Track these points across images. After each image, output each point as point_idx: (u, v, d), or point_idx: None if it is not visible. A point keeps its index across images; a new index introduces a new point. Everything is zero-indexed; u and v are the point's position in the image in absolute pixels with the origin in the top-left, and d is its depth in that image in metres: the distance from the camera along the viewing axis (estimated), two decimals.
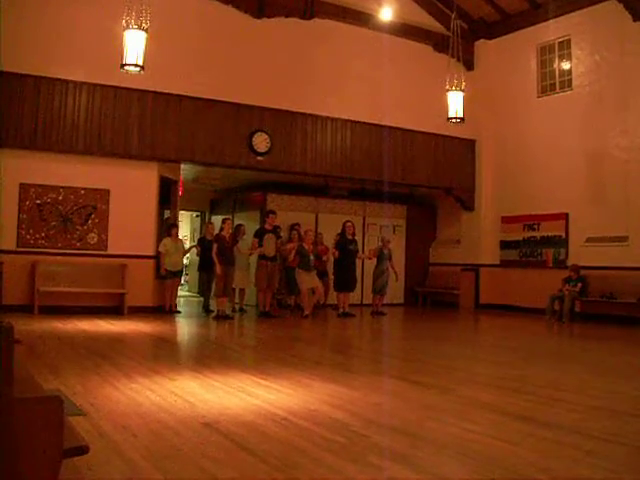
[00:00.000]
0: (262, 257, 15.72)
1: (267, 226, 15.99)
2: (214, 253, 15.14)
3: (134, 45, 11.52)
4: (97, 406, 6.15)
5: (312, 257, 16.21)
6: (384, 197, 19.93)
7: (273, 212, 16.38)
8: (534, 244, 19.04)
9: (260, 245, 15.69)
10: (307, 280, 15.92)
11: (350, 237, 16.65)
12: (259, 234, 15.82)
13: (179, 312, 16.05)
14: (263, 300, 16.07)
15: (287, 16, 17.71)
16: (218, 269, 15.02)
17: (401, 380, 8.28)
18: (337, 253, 16.53)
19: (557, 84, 19.15)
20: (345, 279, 16.67)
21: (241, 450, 4.95)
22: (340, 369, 9.23)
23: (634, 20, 16.69)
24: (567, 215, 18.22)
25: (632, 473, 4.71)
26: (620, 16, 16.90)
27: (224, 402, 6.50)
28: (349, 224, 16.76)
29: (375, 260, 17.48)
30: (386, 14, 18.13)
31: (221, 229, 15.61)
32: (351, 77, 18.23)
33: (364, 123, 18.53)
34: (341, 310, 16.62)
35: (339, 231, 17.12)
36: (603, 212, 17.34)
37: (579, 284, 16.91)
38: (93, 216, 15.19)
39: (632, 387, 8.26)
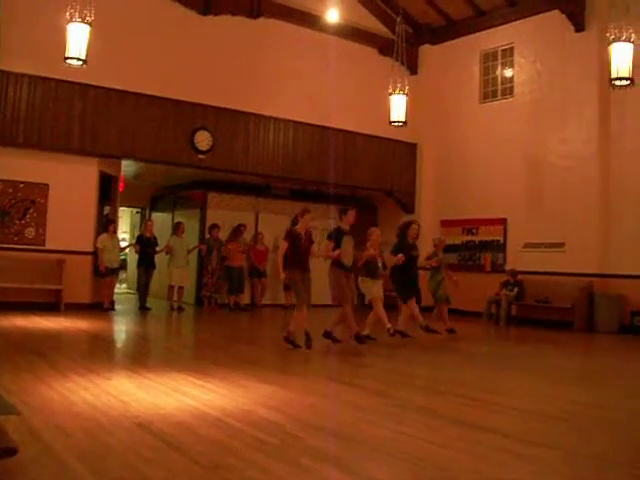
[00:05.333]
0: (338, 265, 11.61)
1: (344, 225, 11.93)
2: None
3: (77, 38, 11.43)
4: (31, 405, 6.07)
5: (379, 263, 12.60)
6: (325, 198, 20.01)
7: (353, 207, 12.26)
8: (473, 248, 19.26)
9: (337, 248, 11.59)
10: (375, 289, 12.39)
11: (412, 241, 13.30)
12: (335, 235, 11.75)
13: (114, 309, 15.86)
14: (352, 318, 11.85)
15: (233, 14, 17.68)
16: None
17: (337, 382, 8.31)
18: (403, 258, 12.73)
19: (499, 91, 19.41)
20: (412, 286, 13.17)
21: (173, 450, 4.93)
22: (277, 370, 9.24)
23: (576, 31, 16.98)
24: (505, 220, 18.48)
25: (560, 477, 4.79)
26: (562, 26, 17.18)
27: (158, 402, 6.47)
28: (414, 226, 13.40)
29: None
30: (333, 16, 18.17)
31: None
32: (296, 78, 18.24)
33: (307, 124, 18.55)
34: (422, 322, 13.12)
35: (397, 232, 13.54)
36: (541, 218, 17.62)
37: (516, 288, 17.17)
38: (31, 210, 14.99)
39: (563, 391, 8.40)
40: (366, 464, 4.92)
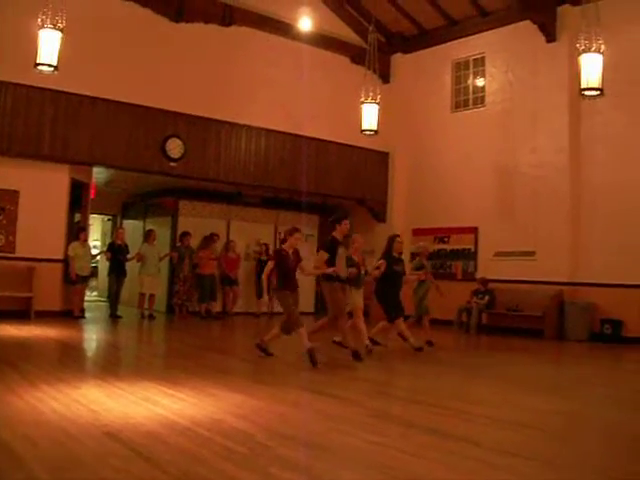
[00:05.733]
0: (330, 278, 10.99)
1: (338, 235, 11.29)
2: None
3: (49, 44, 11.37)
4: None
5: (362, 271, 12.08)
6: (297, 206, 20.03)
7: (346, 217, 11.74)
8: (444, 256, 19.35)
9: (332, 261, 10.96)
10: (357, 298, 12.01)
11: (397, 255, 12.72)
12: (329, 246, 11.13)
13: (84, 317, 15.75)
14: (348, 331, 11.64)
15: (206, 22, 17.66)
16: None
17: (309, 391, 8.29)
18: (382, 268, 12.21)
19: (470, 100, 19.55)
20: (395, 304, 12.42)
21: (142, 460, 4.89)
22: (248, 379, 9.23)
23: (547, 41, 17.15)
24: (477, 229, 18.59)
25: None
26: (534, 37, 17.34)
27: (128, 411, 6.42)
28: (399, 239, 12.88)
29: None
30: (305, 24, 18.21)
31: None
32: (268, 86, 18.24)
33: (279, 132, 18.55)
34: (414, 343, 12.52)
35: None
36: (512, 227, 17.74)
37: (486, 297, 17.26)
38: (1, 217, 14.86)
39: (535, 399, 8.43)
40: (337, 473, 4.90)
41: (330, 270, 10.79)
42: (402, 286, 12.82)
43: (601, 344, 15.45)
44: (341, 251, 11.17)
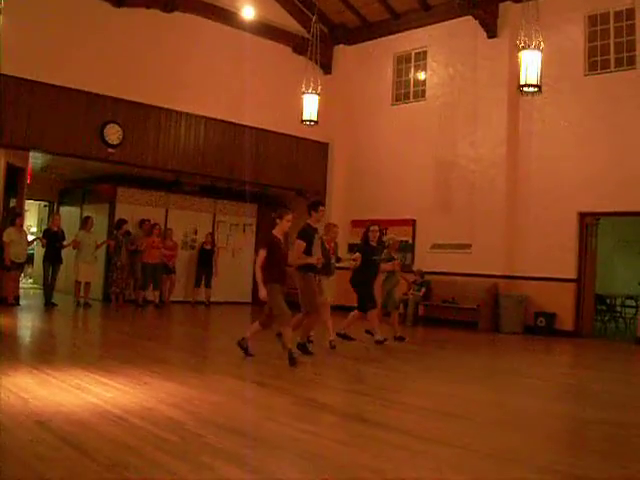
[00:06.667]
0: (307, 268, 10.46)
1: (313, 222, 10.81)
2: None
3: None
4: None
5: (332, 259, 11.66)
6: (236, 195, 20.00)
7: (322, 204, 11.31)
8: (382, 248, 19.39)
9: (308, 250, 10.49)
10: (327, 289, 11.56)
11: (373, 244, 12.50)
12: (305, 235, 10.55)
13: (19, 305, 15.53)
14: (309, 328, 10.88)
15: (148, 7, 17.48)
16: None
17: (242, 380, 8.31)
18: (358, 261, 12.07)
19: (411, 93, 19.66)
20: (370, 294, 12.24)
21: (72, 449, 4.86)
22: (183, 368, 9.16)
23: (488, 37, 17.29)
24: (414, 221, 18.72)
25: (457, 474, 4.88)
26: (475, 32, 17.48)
27: (59, 399, 6.36)
28: (374, 228, 12.60)
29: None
30: (248, 13, 18.15)
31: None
32: (209, 73, 18.15)
33: (219, 120, 18.42)
34: (342, 330, 12.27)
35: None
36: (449, 220, 17.91)
37: (423, 289, 17.39)
38: None
39: (465, 390, 8.55)
40: (267, 462, 4.92)
41: (314, 260, 10.31)
42: (378, 275, 12.66)
43: (535, 337, 15.67)
44: (315, 239, 10.61)
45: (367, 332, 12.68)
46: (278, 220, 9.71)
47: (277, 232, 9.69)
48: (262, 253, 9.50)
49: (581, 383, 10.06)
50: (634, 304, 17.44)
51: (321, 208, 10.88)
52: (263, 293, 9.35)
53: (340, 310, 13.77)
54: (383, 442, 5.62)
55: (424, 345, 14.60)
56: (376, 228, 12.63)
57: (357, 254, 12.19)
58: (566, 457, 5.57)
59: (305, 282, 10.38)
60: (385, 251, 13.70)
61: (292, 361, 9.22)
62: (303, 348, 10.44)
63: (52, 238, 16.35)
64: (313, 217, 10.75)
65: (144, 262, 17.54)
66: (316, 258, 10.30)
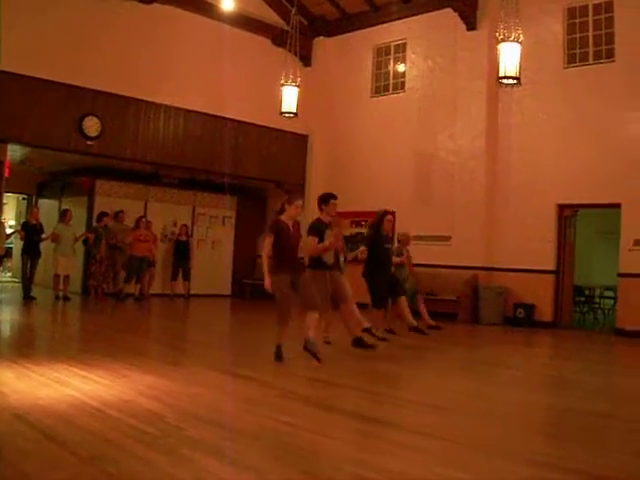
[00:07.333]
0: (317, 265, 9.81)
1: (324, 217, 10.09)
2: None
3: None
4: None
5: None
6: (215, 187, 19.96)
7: (334, 196, 10.38)
8: (362, 240, 19.40)
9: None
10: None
11: (387, 233, 11.95)
12: (316, 230, 9.80)
13: None
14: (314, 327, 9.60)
15: None
16: None
17: (222, 372, 8.29)
18: (366, 251, 11.47)
19: (391, 85, 19.65)
20: (390, 284, 11.71)
21: (50, 442, 4.84)
22: (162, 361, 9.14)
23: (468, 29, 17.30)
24: (394, 213, 18.66)
25: (446, 466, 4.86)
26: (455, 24, 17.47)
27: (37, 392, 6.33)
28: (389, 217, 11.93)
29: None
30: (227, 4, 18.05)
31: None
32: (189, 65, 18.06)
33: (198, 112, 18.33)
34: (411, 323, 11.89)
35: (371, 223, 12.33)
36: (429, 212, 17.93)
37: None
38: None
39: (447, 382, 8.58)
40: (247, 454, 4.91)
41: (326, 245, 9.54)
42: (390, 265, 11.99)
43: (514, 328, 15.73)
44: (327, 234, 9.78)
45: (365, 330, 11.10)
46: (287, 205, 9.21)
47: (285, 218, 9.14)
48: (268, 239, 8.99)
49: (561, 374, 10.10)
50: (612, 295, 17.51)
51: (332, 201, 10.12)
52: (267, 282, 8.84)
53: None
54: (365, 434, 5.64)
55: (404, 337, 14.59)
56: (391, 218, 12.04)
57: (362, 247, 11.51)
58: (548, 447, 5.57)
59: (309, 277, 9.59)
60: (397, 245, 13.49)
61: (277, 357, 9.00)
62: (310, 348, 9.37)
63: (31, 231, 16.28)
64: (324, 211, 10.07)
65: (132, 255, 17.46)
66: (327, 243, 9.55)
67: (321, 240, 9.61)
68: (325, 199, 10.15)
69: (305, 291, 9.24)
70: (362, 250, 11.40)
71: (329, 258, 9.82)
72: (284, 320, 9.02)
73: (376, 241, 11.62)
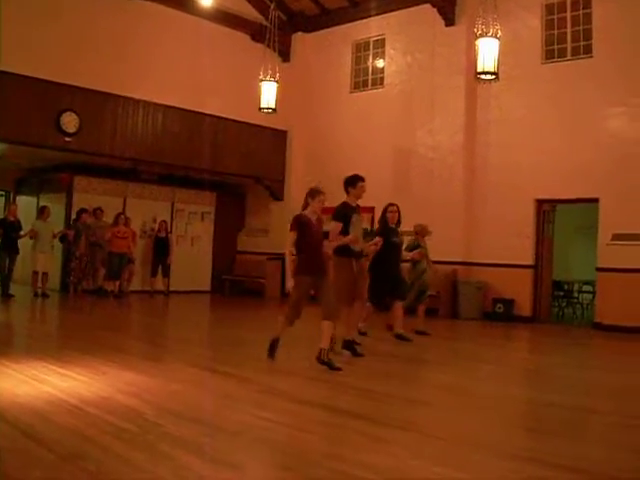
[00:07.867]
0: (344, 252, 9.29)
1: (351, 200, 9.67)
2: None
3: None
4: None
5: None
6: (194, 183, 19.93)
7: (361, 178, 9.80)
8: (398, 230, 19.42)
9: (346, 232, 9.25)
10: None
11: (393, 225, 11.37)
12: (341, 214, 9.38)
13: None
14: (347, 322, 9.73)
15: None
16: None
17: (201, 369, 8.29)
18: (379, 245, 10.45)
19: (370, 81, 19.66)
20: (391, 283, 11.22)
21: (29, 439, 4.83)
22: (141, 357, 9.13)
23: (446, 25, 17.32)
24: (373, 209, 18.71)
25: (415, 459, 4.88)
26: (433, 20, 17.49)
27: (15, 390, 6.30)
28: (393, 208, 11.45)
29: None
30: (206, 0, 18.01)
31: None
32: (167, 61, 18.01)
33: (177, 108, 18.25)
34: (398, 330, 11.47)
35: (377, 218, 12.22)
36: (408, 207, 17.74)
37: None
38: None
39: (425, 375, 8.63)
40: (226, 450, 4.92)
41: (348, 239, 9.10)
42: (399, 259, 11.54)
43: (493, 323, 15.79)
44: (355, 218, 9.29)
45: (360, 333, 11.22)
46: (310, 200, 8.56)
47: (309, 213, 8.53)
48: (292, 235, 8.42)
49: (540, 368, 10.17)
50: (591, 290, 17.61)
51: (360, 183, 9.60)
52: (289, 284, 8.41)
53: None
54: (343, 428, 5.65)
55: (385, 332, 14.61)
56: (394, 209, 11.42)
57: (377, 238, 10.61)
58: (531, 442, 5.61)
59: (338, 270, 9.20)
60: (414, 238, 13.17)
61: (270, 351, 8.66)
62: (349, 346, 9.52)
63: (9, 228, 16.17)
64: (351, 194, 9.59)
65: (110, 252, 17.37)
66: (352, 237, 9.11)
67: (346, 226, 9.14)
68: (352, 181, 9.63)
69: (337, 284, 8.91)
70: (377, 241, 10.49)
71: (359, 245, 9.35)
72: (291, 321, 8.66)
73: (382, 234, 10.95)
